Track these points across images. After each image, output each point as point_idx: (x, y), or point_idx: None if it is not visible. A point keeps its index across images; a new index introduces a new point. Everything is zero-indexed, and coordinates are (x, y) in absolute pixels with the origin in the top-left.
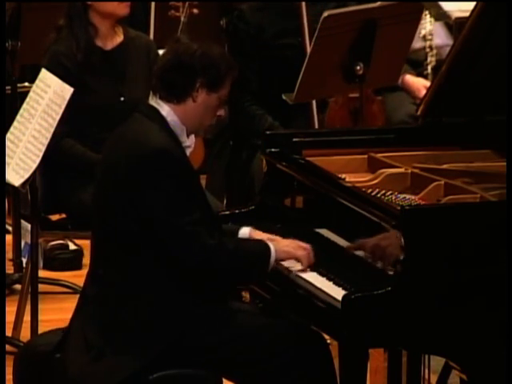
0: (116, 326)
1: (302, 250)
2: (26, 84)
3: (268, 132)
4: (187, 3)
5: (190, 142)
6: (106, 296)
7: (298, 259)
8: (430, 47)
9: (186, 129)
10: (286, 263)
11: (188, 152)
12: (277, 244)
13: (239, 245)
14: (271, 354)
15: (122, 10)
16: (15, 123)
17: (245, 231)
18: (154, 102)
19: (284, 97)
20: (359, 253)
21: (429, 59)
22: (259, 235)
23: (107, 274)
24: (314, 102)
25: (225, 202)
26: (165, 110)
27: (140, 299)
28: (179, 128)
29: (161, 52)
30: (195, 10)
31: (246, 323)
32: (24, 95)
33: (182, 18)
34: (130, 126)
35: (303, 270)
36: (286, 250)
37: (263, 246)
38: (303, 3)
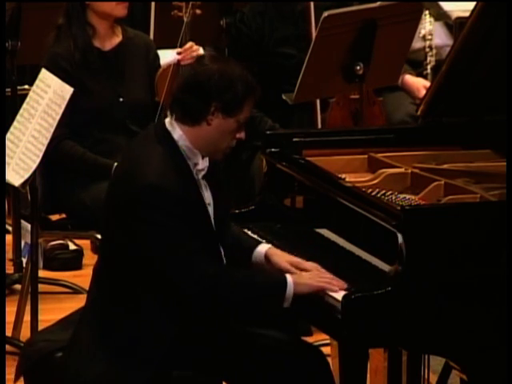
0: (111, 334)
1: (325, 280)
2: (26, 87)
3: (268, 132)
4: (190, 3)
5: (202, 166)
6: (106, 303)
7: (322, 290)
8: (430, 47)
9: (201, 151)
10: None
11: (200, 175)
12: (298, 277)
13: (252, 276)
14: (266, 365)
15: (120, 10)
16: (15, 123)
17: (261, 249)
18: (168, 123)
19: (284, 97)
20: (359, 252)
21: (428, 59)
22: (277, 255)
23: (106, 283)
24: (317, 102)
25: None
26: (177, 133)
27: (133, 316)
28: (191, 152)
29: (160, 52)
30: (198, 11)
31: (241, 335)
32: (24, 97)
33: (185, 19)
34: (138, 147)
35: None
36: (308, 284)
37: (280, 279)
38: (312, 7)
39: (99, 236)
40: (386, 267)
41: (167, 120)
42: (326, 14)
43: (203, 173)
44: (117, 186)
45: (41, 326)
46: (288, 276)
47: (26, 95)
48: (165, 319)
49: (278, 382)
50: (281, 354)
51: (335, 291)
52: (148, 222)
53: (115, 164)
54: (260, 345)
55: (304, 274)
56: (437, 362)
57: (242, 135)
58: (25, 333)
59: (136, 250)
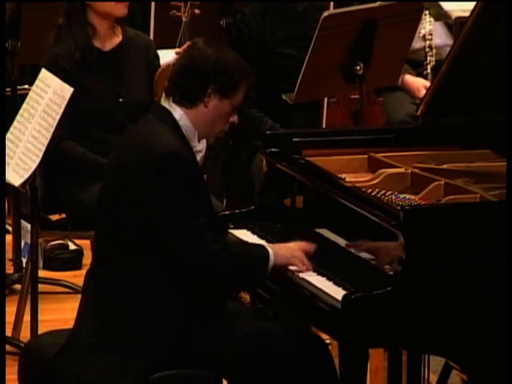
0: (111, 325)
1: (298, 256)
2: (26, 87)
3: (268, 132)
4: (189, 3)
5: (200, 147)
6: (103, 295)
7: (293, 264)
8: (430, 47)
9: (198, 133)
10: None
11: (199, 157)
12: (274, 248)
13: (242, 249)
14: (272, 358)
15: (120, 10)
16: (15, 123)
17: None
18: (167, 104)
19: (284, 97)
20: (361, 253)
21: (428, 59)
22: None
23: (105, 273)
24: (325, 101)
25: (225, 202)
26: (177, 113)
27: (139, 300)
28: (191, 132)
29: (160, 52)
30: (196, 11)
31: (245, 328)
32: (24, 97)
33: (184, 18)
34: (141, 127)
35: (302, 271)
36: (284, 255)
37: (263, 251)
38: (331, 6)
39: None
40: (386, 267)
41: (163, 103)
42: (325, 13)
43: (201, 154)
44: (127, 162)
45: (41, 326)
46: (267, 247)
47: (26, 95)
48: (168, 312)
49: (281, 374)
50: (282, 343)
51: (301, 270)
52: (163, 189)
53: None
54: (263, 336)
55: (280, 245)
56: (437, 362)
57: (234, 119)
58: (25, 333)
59: (146, 221)
